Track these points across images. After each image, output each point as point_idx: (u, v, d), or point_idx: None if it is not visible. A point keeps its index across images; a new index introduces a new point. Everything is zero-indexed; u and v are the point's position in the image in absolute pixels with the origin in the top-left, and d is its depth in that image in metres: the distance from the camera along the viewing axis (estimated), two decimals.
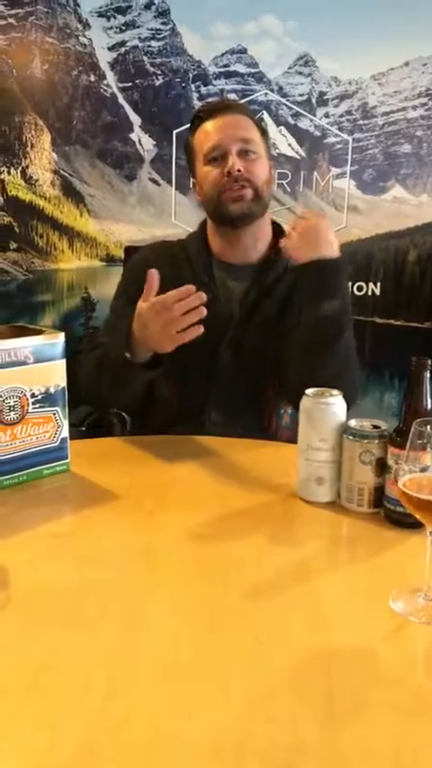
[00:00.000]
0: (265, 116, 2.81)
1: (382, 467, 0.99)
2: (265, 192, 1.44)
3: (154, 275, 1.23)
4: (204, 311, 1.16)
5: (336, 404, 1.04)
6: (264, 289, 1.46)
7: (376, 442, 0.99)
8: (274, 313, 1.45)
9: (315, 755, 0.56)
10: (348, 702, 0.62)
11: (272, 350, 1.42)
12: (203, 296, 1.17)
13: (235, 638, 0.72)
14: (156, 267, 1.37)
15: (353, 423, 1.02)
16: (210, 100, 1.51)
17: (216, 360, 1.43)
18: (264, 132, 1.49)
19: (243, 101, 2.78)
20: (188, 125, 1.51)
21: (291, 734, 0.58)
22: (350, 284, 2.79)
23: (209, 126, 1.44)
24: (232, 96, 2.79)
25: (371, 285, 2.82)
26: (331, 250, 1.32)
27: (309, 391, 1.05)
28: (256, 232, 1.47)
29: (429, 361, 0.94)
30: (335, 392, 1.05)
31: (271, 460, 1.22)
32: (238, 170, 1.39)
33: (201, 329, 1.17)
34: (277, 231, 1.51)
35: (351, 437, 1.01)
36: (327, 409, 1.03)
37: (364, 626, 0.75)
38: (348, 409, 1.06)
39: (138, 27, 2.76)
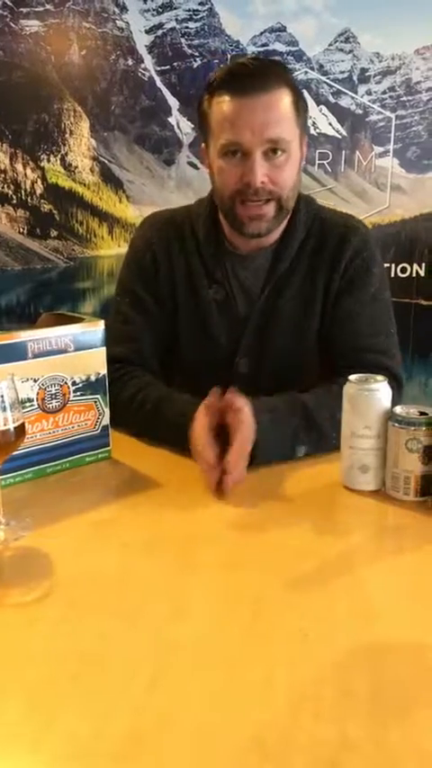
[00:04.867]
0: (305, 95, 2.75)
1: (429, 454, 0.97)
2: (291, 198, 1.20)
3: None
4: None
5: (380, 390, 1.01)
6: (282, 277, 1.26)
7: (423, 429, 0.96)
8: (299, 304, 1.26)
9: (361, 753, 0.55)
10: (395, 699, 0.61)
11: (300, 352, 1.25)
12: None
13: (279, 629, 0.71)
14: (162, 258, 1.27)
15: (399, 409, 1.00)
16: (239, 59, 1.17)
17: (231, 371, 1.22)
18: (300, 104, 1.18)
19: None
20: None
21: (337, 730, 0.57)
22: (393, 266, 2.74)
23: (231, 106, 1.12)
24: None
25: (415, 266, 2.75)
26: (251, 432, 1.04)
27: (352, 377, 1.03)
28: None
29: None
30: (379, 378, 1.03)
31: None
32: (262, 182, 1.15)
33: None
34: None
35: (397, 424, 0.98)
36: (371, 396, 1.01)
37: (411, 619, 0.73)
38: None
39: (175, 8, 2.73)
